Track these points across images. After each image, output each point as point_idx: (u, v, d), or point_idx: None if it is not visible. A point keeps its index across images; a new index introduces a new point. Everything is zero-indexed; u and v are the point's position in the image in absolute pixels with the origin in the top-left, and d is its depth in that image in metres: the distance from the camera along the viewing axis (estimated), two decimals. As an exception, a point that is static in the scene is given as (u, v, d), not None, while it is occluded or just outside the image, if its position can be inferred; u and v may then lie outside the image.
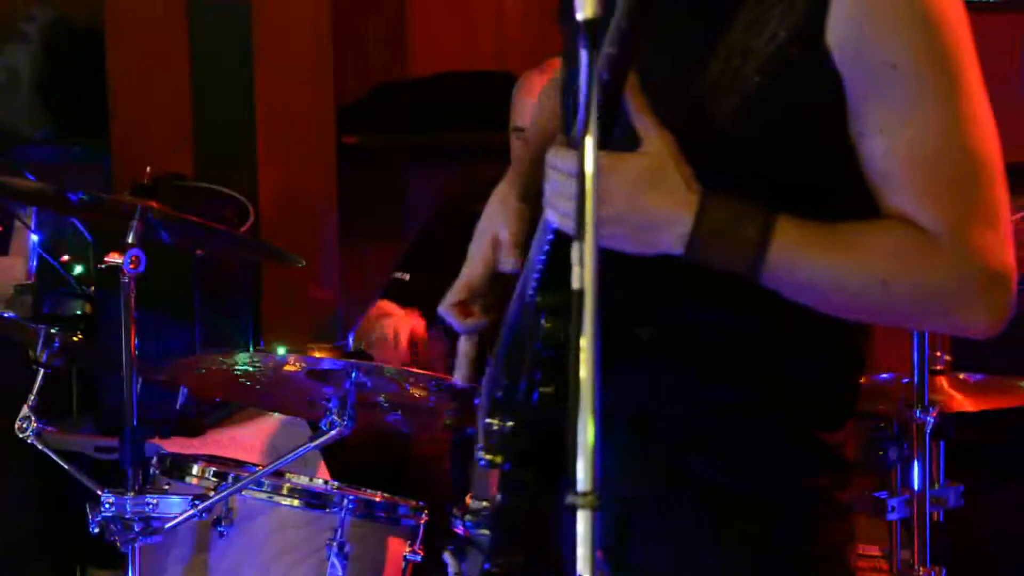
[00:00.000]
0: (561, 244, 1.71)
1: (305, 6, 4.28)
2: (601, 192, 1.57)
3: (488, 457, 1.80)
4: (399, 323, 3.43)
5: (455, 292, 2.01)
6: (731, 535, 1.78)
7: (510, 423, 1.79)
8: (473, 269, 2.01)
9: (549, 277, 1.76)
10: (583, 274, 1.60)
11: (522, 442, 1.76)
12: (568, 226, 1.65)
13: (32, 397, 2.86)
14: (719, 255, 1.63)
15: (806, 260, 1.64)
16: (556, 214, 1.67)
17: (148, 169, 3.88)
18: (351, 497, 2.81)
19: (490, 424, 1.82)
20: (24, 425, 2.84)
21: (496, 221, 1.97)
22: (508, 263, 1.95)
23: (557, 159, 1.66)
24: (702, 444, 1.78)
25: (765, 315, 1.71)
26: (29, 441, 2.84)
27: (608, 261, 1.51)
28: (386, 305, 3.55)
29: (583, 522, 1.71)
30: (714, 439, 1.77)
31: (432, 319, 3.57)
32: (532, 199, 1.92)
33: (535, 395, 1.74)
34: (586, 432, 1.64)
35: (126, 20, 4.15)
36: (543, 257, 1.77)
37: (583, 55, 1.37)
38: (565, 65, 1.92)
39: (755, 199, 1.63)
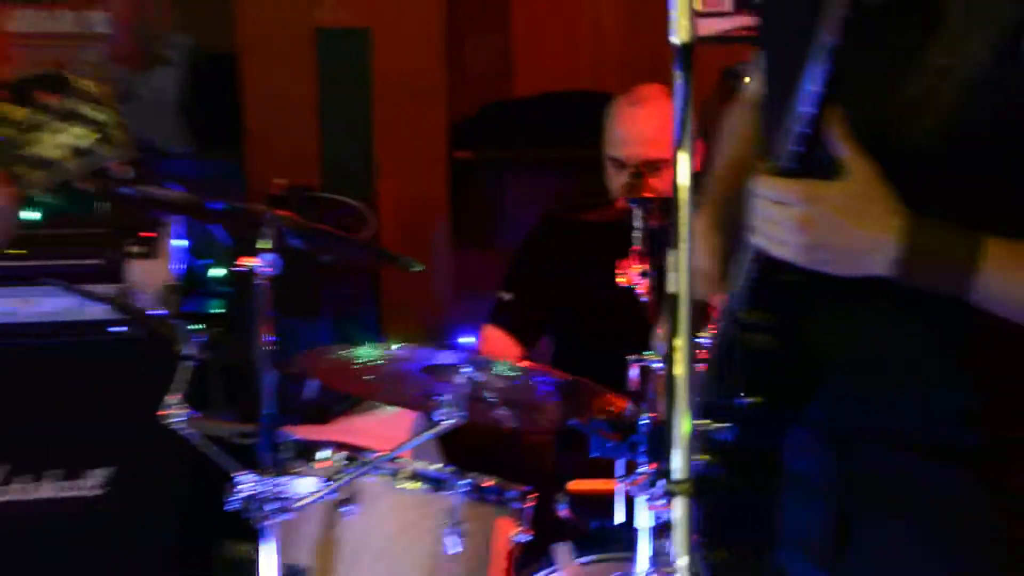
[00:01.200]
0: (764, 266, 1.72)
1: (419, 33, 4.30)
2: (808, 220, 1.58)
3: (701, 458, 1.81)
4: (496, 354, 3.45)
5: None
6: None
7: (721, 426, 1.81)
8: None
9: (753, 297, 1.77)
10: (678, 280, 1.65)
11: (730, 445, 1.78)
12: (781, 252, 1.65)
13: (178, 387, 2.92)
14: (928, 278, 1.60)
15: (1016, 282, 1.59)
16: (766, 240, 1.66)
17: (279, 181, 3.94)
18: (464, 481, 2.84)
19: (704, 427, 1.83)
20: (171, 412, 2.90)
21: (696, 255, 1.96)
22: (705, 293, 1.97)
23: (763, 187, 1.64)
24: (942, 453, 1.73)
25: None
26: (176, 427, 2.90)
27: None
28: (489, 332, 3.57)
29: (679, 508, 1.74)
30: (956, 448, 1.72)
31: (529, 340, 3.60)
32: (727, 226, 1.92)
33: (742, 402, 1.77)
34: (682, 425, 1.68)
35: (259, 47, 4.18)
36: (747, 279, 1.77)
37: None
38: (768, 92, 1.88)
39: (957, 218, 1.58)
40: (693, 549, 1.67)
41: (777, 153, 1.66)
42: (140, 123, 4.28)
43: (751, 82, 2.11)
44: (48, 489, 3.59)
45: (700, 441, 1.79)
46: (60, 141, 1.87)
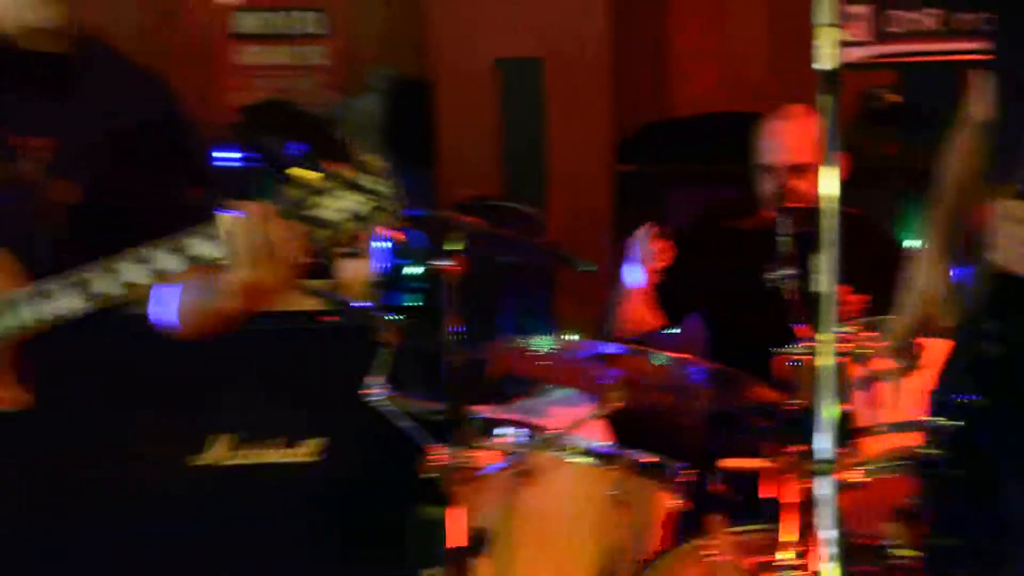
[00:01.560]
0: (1001, 281, 1.68)
1: (587, 62, 4.29)
2: None
3: (931, 451, 1.77)
4: (633, 313, 3.41)
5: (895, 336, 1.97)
6: None
7: (951, 424, 1.77)
8: (903, 319, 1.96)
9: (988, 309, 1.74)
10: (823, 280, 1.63)
11: (962, 441, 1.75)
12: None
13: (379, 369, 2.96)
14: None
15: None
16: (1009, 258, 1.62)
17: (466, 192, 3.98)
18: (629, 456, 2.83)
19: (936, 424, 1.80)
20: (373, 391, 2.95)
21: (928, 279, 1.91)
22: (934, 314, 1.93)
23: (1007, 209, 1.60)
24: None
25: None
26: (377, 404, 2.94)
27: None
28: (633, 292, 3.52)
29: (824, 486, 1.72)
30: None
31: (673, 319, 3.56)
32: (948, 247, 1.87)
33: (973, 403, 1.73)
34: (827, 411, 1.67)
35: (449, 76, 4.22)
36: (983, 293, 1.74)
37: None
38: (1004, 116, 1.82)
39: None
40: (836, 524, 1.65)
41: (1018, 175, 1.60)
42: (349, 140, 4.34)
43: (972, 105, 2.03)
44: (271, 455, 3.66)
45: (934, 436, 1.76)
46: (342, 206, 1.87)
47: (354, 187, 1.88)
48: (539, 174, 4.26)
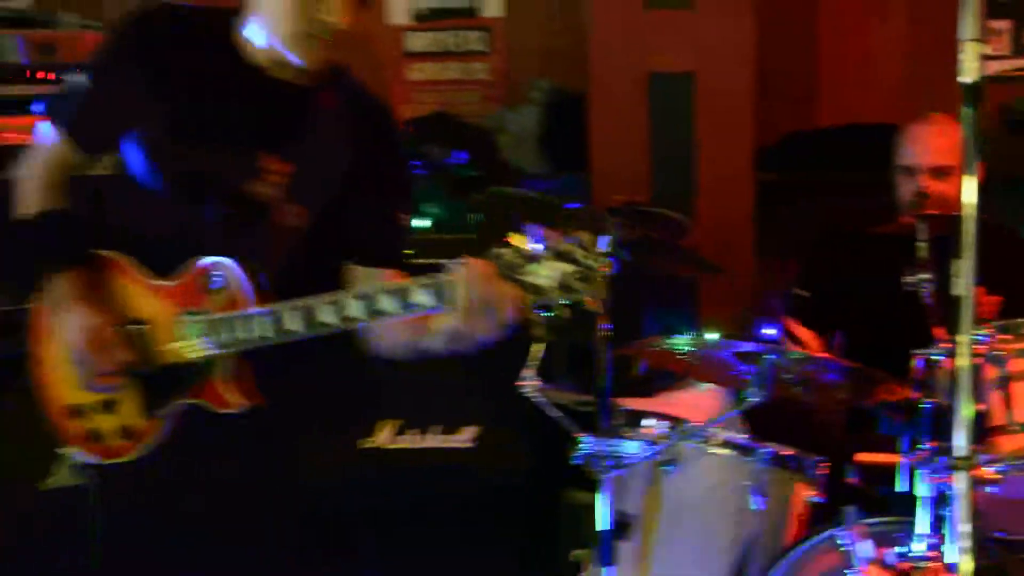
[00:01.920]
0: None
1: (733, 75, 4.24)
2: None
3: None
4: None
5: None
6: None
7: None
8: None
9: None
10: (961, 284, 1.58)
11: None
12: None
13: (532, 363, 2.96)
14: None
15: None
16: None
17: (617, 197, 3.95)
18: (767, 449, 2.78)
19: None
20: (526, 383, 2.95)
21: None
22: None
23: None
24: None
25: None
26: (530, 395, 2.94)
27: None
28: (794, 326, 3.49)
29: (960, 481, 1.65)
30: None
31: (825, 331, 3.49)
32: None
33: None
34: (965, 409, 1.62)
35: (604, 88, 4.21)
36: None
37: None
38: None
39: None
40: (970, 519, 1.60)
41: None
42: (507, 150, 4.36)
43: None
44: (431, 440, 3.69)
45: None
46: (552, 274, 1.89)
47: (566, 258, 1.89)
48: (686, 181, 4.22)
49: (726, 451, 2.81)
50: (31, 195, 2.24)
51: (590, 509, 2.82)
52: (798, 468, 2.83)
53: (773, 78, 4.46)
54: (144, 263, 2.20)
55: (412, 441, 3.68)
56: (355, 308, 2.02)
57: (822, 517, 2.82)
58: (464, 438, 3.68)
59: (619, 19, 4.18)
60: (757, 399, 2.65)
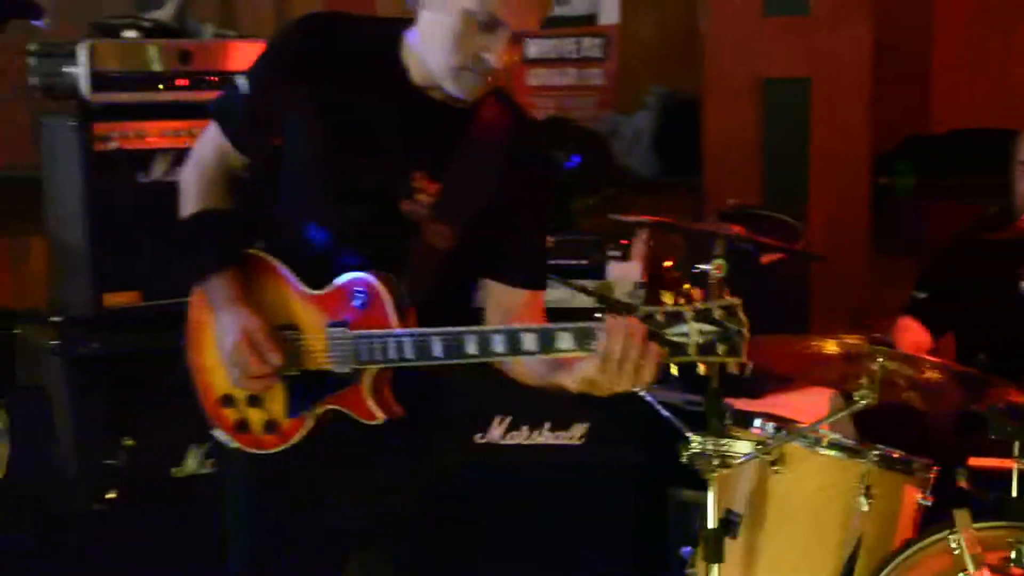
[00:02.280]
0: None
1: (850, 80, 4.19)
2: None
3: None
4: (911, 341, 3.31)
5: None
6: None
7: None
8: None
9: None
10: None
11: None
12: None
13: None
14: None
15: None
16: None
17: (730, 201, 3.94)
18: (876, 451, 2.74)
19: None
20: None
21: None
22: None
23: None
24: None
25: None
26: (640, 394, 2.95)
27: None
28: (907, 322, 3.44)
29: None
30: None
31: (939, 333, 3.43)
32: None
33: None
34: None
35: (718, 93, 4.20)
36: None
37: None
38: None
39: None
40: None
41: None
42: (622, 153, 4.37)
43: None
44: (541, 437, 3.72)
45: None
46: (696, 338, 1.89)
47: (707, 319, 1.89)
48: (800, 186, 4.18)
49: (835, 452, 2.78)
50: (194, 195, 2.28)
51: (698, 507, 2.82)
52: (908, 470, 2.78)
53: (889, 82, 4.39)
54: (295, 269, 2.22)
55: (523, 437, 3.72)
56: (499, 343, 2.03)
57: (932, 520, 2.77)
58: (573, 435, 3.70)
59: (735, 26, 4.16)
60: (867, 401, 2.62)
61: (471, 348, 2.04)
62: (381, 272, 2.14)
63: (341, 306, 2.18)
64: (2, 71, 4.72)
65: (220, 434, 2.32)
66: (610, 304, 3.39)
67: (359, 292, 2.16)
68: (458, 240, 2.18)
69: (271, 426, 2.26)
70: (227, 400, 2.28)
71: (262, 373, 2.19)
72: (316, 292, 2.21)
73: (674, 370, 1.99)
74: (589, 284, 3.51)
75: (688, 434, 2.76)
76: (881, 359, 2.65)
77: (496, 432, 3.71)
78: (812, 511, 2.77)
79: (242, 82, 2.24)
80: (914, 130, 4.51)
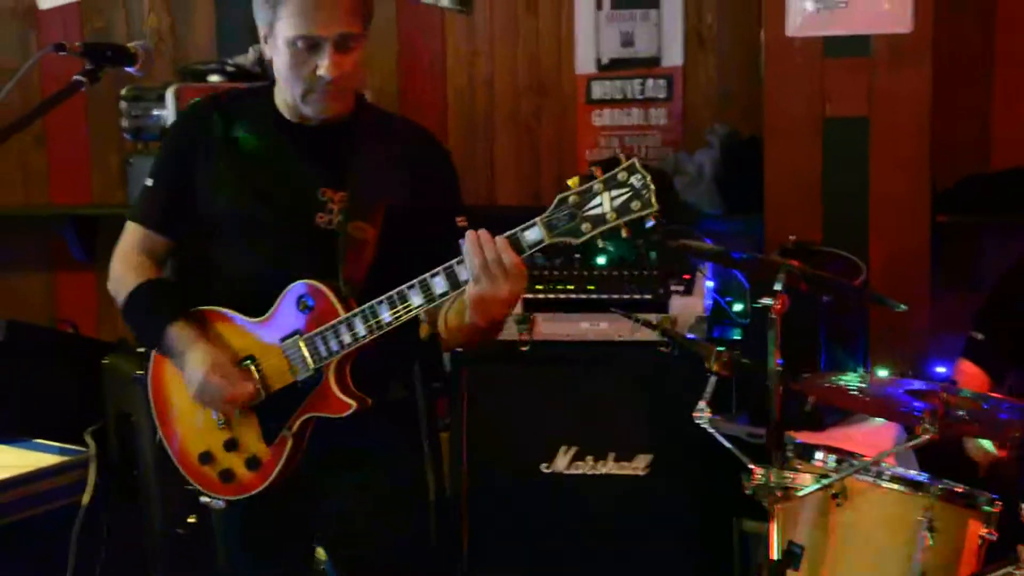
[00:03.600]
0: None
1: (909, 119, 4.12)
2: None
3: None
4: (970, 385, 3.24)
5: None
6: None
7: None
8: None
9: None
10: None
11: None
12: None
13: (706, 395, 2.93)
14: None
15: None
16: None
17: (792, 237, 3.89)
18: (940, 485, 2.68)
19: None
20: (700, 414, 2.92)
21: None
22: None
23: None
24: None
25: None
26: (703, 425, 2.90)
27: None
28: (965, 365, 3.37)
29: None
30: None
31: (998, 373, 3.35)
32: None
33: None
34: None
35: (780, 132, 4.15)
36: None
37: None
38: None
39: None
40: None
41: None
42: (684, 191, 4.34)
43: None
44: (605, 467, 3.68)
45: None
46: (601, 202, 2.08)
47: (616, 185, 2.04)
48: (860, 223, 4.12)
49: (898, 486, 2.72)
50: (129, 280, 2.49)
51: (760, 538, 2.77)
52: (971, 504, 2.72)
53: (948, 120, 4.32)
54: (240, 309, 2.40)
55: (588, 467, 3.68)
56: (440, 284, 2.20)
57: (996, 555, 2.69)
58: (638, 465, 3.66)
59: (796, 66, 4.12)
60: (929, 436, 2.55)
61: (416, 298, 2.22)
62: (316, 276, 2.33)
63: (288, 320, 2.34)
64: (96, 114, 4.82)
65: (208, 499, 2.42)
66: (673, 338, 3.36)
67: (301, 297, 2.32)
68: (379, 230, 2.37)
69: (253, 463, 2.39)
70: (205, 457, 2.43)
71: (239, 398, 2.34)
72: (262, 318, 2.37)
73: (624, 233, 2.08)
74: (652, 318, 3.48)
75: (751, 466, 2.71)
76: (943, 394, 2.58)
77: (561, 462, 3.68)
78: (875, 545, 2.71)
79: (148, 180, 2.50)
80: (974, 168, 4.42)
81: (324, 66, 2.29)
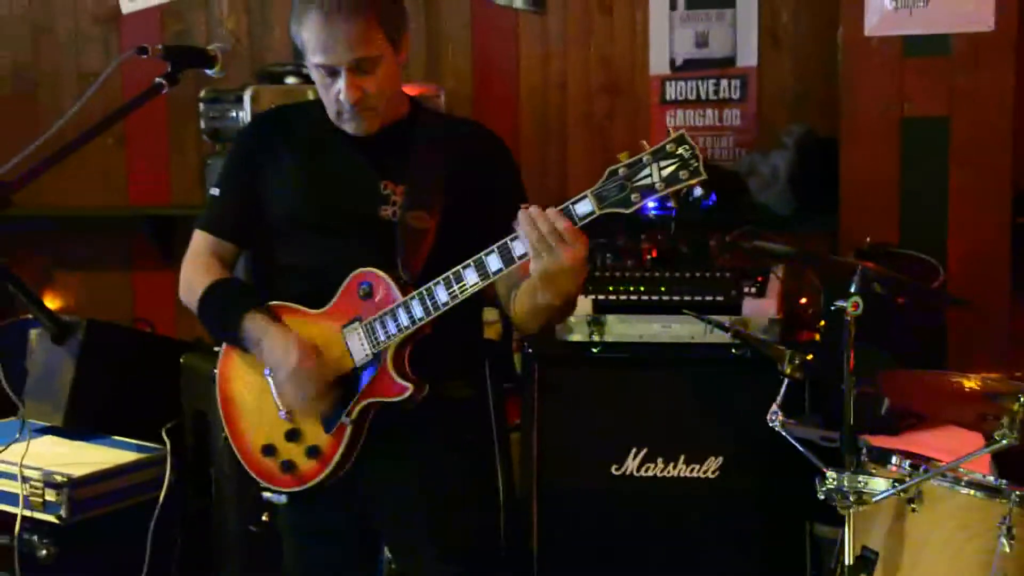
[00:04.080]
0: None
1: (991, 119, 4.06)
2: None
3: None
4: None
5: None
6: None
7: None
8: None
9: None
10: None
11: None
12: None
13: (779, 397, 2.92)
14: None
15: None
16: None
17: (867, 239, 3.85)
18: (1019, 491, 2.62)
19: None
20: (773, 417, 2.91)
21: None
22: None
23: None
24: None
25: None
26: (776, 428, 2.89)
27: None
28: None
29: None
30: None
31: None
32: None
33: None
34: None
35: (857, 133, 4.12)
36: None
37: None
38: None
39: None
40: None
41: None
42: (758, 192, 4.31)
43: None
44: (676, 469, 3.67)
45: None
46: (650, 172, 2.12)
47: (664, 156, 2.07)
48: (939, 225, 4.06)
49: (975, 492, 2.67)
50: (200, 280, 2.57)
51: (834, 543, 2.74)
52: (1050, 512, 2.65)
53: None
54: (306, 303, 2.47)
55: (658, 470, 3.67)
56: (494, 262, 2.26)
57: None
58: (709, 468, 3.65)
59: (874, 66, 4.08)
60: (1008, 440, 2.51)
61: (471, 276, 2.28)
62: (376, 264, 2.41)
63: (350, 308, 2.41)
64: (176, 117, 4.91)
65: (270, 494, 2.47)
66: (745, 340, 3.34)
67: (361, 284, 2.40)
68: (437, 220, 2.44)
69: (313, 451, 2.44)
70: (267, 450, 2.48)
71: (319, 382, 2.41)
72: (324, 308, 2.45)
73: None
74: (725, 320, 3.46)
75: (825, 469, 2.69)
76: (1023, 398, 2.53)
77: (631, 464, 3.68)
78: (951, 551, 2.67)
79: (213, 190, 2.60)
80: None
81: (343, 91, 2.40)
